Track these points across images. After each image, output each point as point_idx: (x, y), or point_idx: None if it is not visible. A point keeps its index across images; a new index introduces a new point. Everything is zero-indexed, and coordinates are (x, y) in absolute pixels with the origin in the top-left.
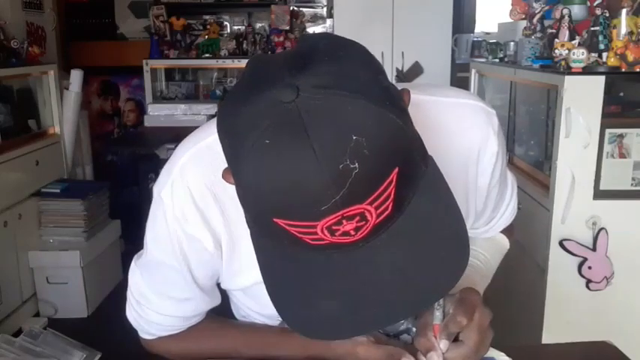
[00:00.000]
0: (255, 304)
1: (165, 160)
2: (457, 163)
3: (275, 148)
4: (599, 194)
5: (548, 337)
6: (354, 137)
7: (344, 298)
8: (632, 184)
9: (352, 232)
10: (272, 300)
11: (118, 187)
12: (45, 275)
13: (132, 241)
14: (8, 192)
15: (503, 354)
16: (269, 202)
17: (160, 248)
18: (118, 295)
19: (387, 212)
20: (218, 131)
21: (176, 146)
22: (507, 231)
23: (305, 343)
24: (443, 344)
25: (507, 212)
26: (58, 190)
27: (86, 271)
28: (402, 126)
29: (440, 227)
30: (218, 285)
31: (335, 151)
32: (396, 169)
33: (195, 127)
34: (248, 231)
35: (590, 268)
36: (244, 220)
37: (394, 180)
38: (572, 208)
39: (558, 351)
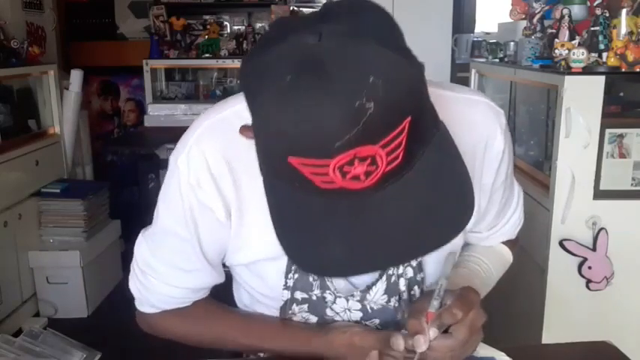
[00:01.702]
0: (258, 282)
1: (165, 160)
2: (464, 156)
3: (296, 86)
4: (599, 194)
5: (548, 337)
6: (372, 78)
7: (349, 241)
8: (632, 184)
9: (362, 177)
10: (280, 240)
11: (118, 187)
12: (45, 275)
13: (132, 241)
14: (8, 192)
15: (503, 354)
16: (286, 138)
17: (171, 217)
18: (118, 295)
19: (397, 161)
20: (240, 73)
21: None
22: (511, 244)
23: (304, 335)
24: (432, 332)
25: (512, 220)
26: (58, 190)
27: (86, 271)
28: (418, 80)
29: (447, 184)
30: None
31: (352, 90)
32: (409, 119)
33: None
34: (257, 205)
35: (590, 268)
36: (255, 193)
37: (406, 129)
38: (572, 208)
39: (558, 351)
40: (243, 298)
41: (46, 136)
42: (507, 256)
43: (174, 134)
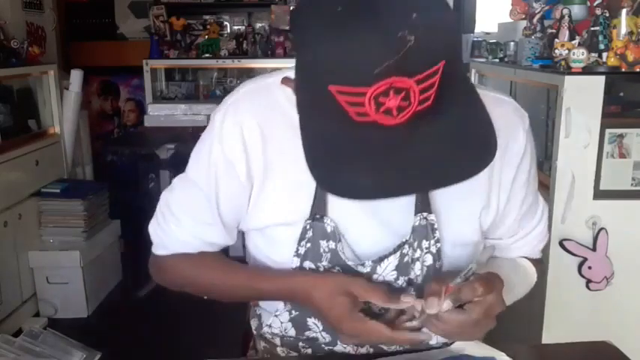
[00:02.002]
0: (270, 249)
1: (165, 160)
2: None
3: (345, 15)
4: (599, 194)
5: (548, 337)
6: (415, 15)
7: (379, 170)
8: (632, 184)
9: (394, 112)
10: (311, 170)
11: (118, 187)
12: (45, 275)
13: (132, 241)
14: (8, 192)
15: (503, 354)
16: (330, 65)
17: (197, 168)
18: (118, 295)
19: (428, 102)
20: (291, 13)
21: (176, 146)
22: (535, 262)
23: (282, 279)
24: (446, 304)
25: (535, 232)
26: (58, 190)
27: (86, 271)
28: (455, 30)
29: (473, 128)
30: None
31: (396, 22)
32: (443, 62)
33: (195, 128)
34: (281, 171)
35: (590, 268)
36: (281, 160)
37: (440, 71)
38: (572, 208)
39: (558, 351)
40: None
41: (46, 136)
42: (531, 271)
43: (174, 134)
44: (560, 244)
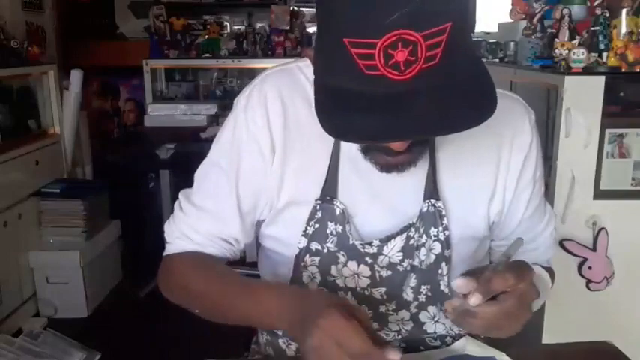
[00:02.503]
0: (280, 230)
1: (165, 160)
2: (492, 142)
3: None
4: (599, 194)
5: (548, 337)
6: None
7: (383, 116)
8: (632, 184)
9: (402, 67)
10: (316, 109)
11: (118, 187)
12: (45, 275)
13: (132, 241)
14: (8, 192)
15: (503, 354)
16: (344, 17)
17: (219, 149)
18: (118, 295)
19: (434, 62)
20: None
21: (176, 146)
22: (548, 271)
23: (279, 294)
24: (476, 298)
25: (542, 237)
26: (58, 190)
27: (86, 271)
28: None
29: (475, 88)
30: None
31: None
32: (450, 23)
33: (195, 127)
34: (300, 150)
35: (590, 268)
36: (301, 140)
37: (447, 31)
38: (572, 208)
39: (558, 351)
40: (264, 261)
41: (46, 136)
42: (544, 276)
43: (174, 134)
44: (560, 244)
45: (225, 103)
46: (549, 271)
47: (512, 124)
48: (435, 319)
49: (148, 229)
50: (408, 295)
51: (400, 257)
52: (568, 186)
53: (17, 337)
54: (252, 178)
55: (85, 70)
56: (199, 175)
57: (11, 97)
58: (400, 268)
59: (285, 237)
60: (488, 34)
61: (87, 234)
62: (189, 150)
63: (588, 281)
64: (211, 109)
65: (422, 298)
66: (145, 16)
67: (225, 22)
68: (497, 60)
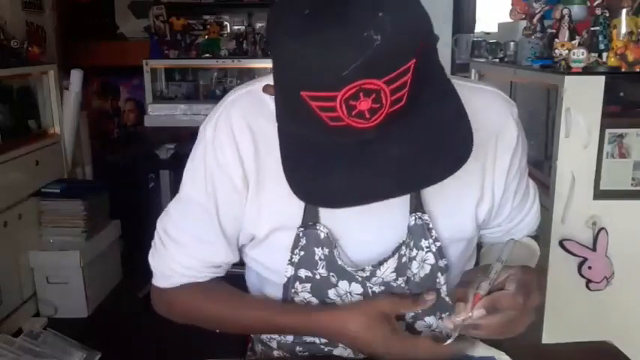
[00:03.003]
0: (266, 257)
1: (165, 160)
2: (476, 141)
3: (312, 18)
4: (599, 194)
5: (548, 337)
6: (380, 14)
7: (353, 174)
8: (632, 184)
9: (367, 115)
10: (287, 177)
11: (118, 187)
12: (45, 275)
13: (132, 241)
14: (8, 192)
15: (503, 353)
16: (300, 69)
17: (192, 183)
18: (118, 295)
19: (401, 103)
20: (269, 10)
21: (176, 146)
22: (535, 239)
23: (307, 315)
24: (478, 312)
25: (531, 214)
26: (58, 190)
27: (86, 271)
28: (428, 25)
29: (449, 129)
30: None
31: (362, 22)
32: (414, 60)
33: (196, 127)
34: (275, 176)
35: (590, 268)
36: (274, 164)
37: (411, 70)
38: (572, 208)
39: (558, 351)
40: (252, 277)
41: (46, 136)
42: (534, 246)
43: (174, 134)
44: (560, 244)
45: None
46: (536, 238)
47: (495, 122)
48: (432, 328)
49: (148, 229)
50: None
51: (394, 277)
52: (568, 186)
53: (17, 337)
54: (231, 208)
55: (85, 70)
56: (178, 210)
57: (11, 97)
58: (394, 284)
59: (271, 264)
60: (488, 34)
61: (87, 234)
62: (190, 150)
63: (588, 281)
64: (211, 109)
65: (418, 309)
66: (145, 16)
67: (225, 22)
68: (497, 60)
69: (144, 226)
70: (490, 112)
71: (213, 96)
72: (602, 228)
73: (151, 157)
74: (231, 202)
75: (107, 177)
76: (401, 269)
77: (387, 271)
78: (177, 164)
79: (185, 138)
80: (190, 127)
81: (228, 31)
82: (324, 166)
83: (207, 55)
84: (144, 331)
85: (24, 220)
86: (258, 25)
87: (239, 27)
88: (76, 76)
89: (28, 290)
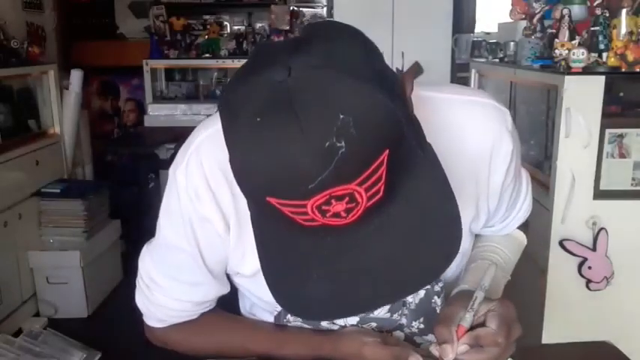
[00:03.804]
0: (256, 290)
1: (165, 160)
2: (468, 161)
3: (265, 126)
4: (599, 194)
5: (548, 337)
6: (341, 116)
7: (334, 281)
8: (632, 184)
9: (343, 214)
10: (266, 280)
11: (118, 187)
12: (45, 275)
13: (132, 241)
14: (8, 192)
15: None
16: (260, 180)
17: (172, 229)
18: (118, 295)
19: (378, 196)
20: (218, 108)
21: (176, 146)
22: (522, 226)
23: (313, 342)
24: (463, 347)
25: (523, 209)
26: (58, 190)
27: (86, 271)
28: (392, 108)
29: (433, 216)
30: (228, 276)
31: (321, 130)
32: (386, 152)
33: (195, 128)
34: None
35: (590, 268)
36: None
37: (384, 162)
38: (572, 208)
39: (558, 351)
40: (246, 303)
41: (46, 136)
42: (521, 238)
43: (174, 134)
44: (560, 244)
45: None
46: (525, 224)
47: (489, 138)
48: (430, 340)
49: (148, 229)
50: (403, 320)
51: (388, 315)
52: (568, 186)
53: (17, 337)
54: (214, 251)
55: (85, 70)
56: (160, 256)
57: (11, 97)
58: (387, 315)
59: (261, 295)
60: (488, 34)
61: (87, 234)
62: None
63: (588, 281)
64: (211, 109)
65: (414, 329)
66: (145, 16)
67: (225, 22)
68: (497, 60)
69: (144, 226)
70: (484, 128)
71: (213, 96)
72: (602, 228)
73: (151, 157)
74: (214, 245)
75: (107, 177)
76: (395, 306)
77: (381, 312)
78: None
79: (185, 138)
80: (190, 127)
81: (228, 31)
82: (304, 267)
83: (207, 55)
84: (144, 330)
85: (24, 220)
86: (258, 25)
87: (239, 27)
88: (76, 76)
89: (28, 290)
